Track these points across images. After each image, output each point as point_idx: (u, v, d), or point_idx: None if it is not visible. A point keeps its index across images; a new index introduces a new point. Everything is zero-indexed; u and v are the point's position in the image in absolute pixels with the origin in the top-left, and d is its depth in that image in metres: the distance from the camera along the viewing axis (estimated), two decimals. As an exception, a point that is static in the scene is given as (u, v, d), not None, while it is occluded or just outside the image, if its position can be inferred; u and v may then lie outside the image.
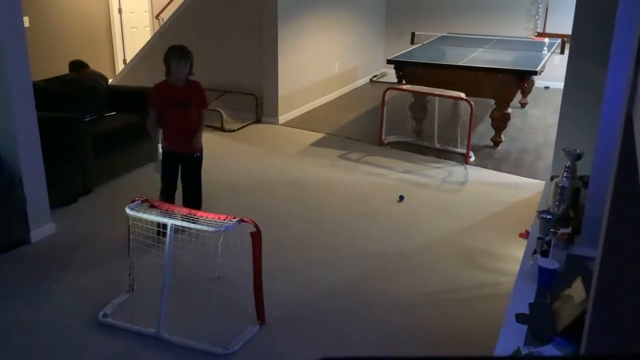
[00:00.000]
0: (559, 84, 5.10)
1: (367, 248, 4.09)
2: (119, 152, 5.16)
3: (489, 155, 6.02)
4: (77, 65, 5.73)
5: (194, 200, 4.21)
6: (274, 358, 2.99)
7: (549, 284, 2.24)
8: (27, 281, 3.58)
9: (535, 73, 6.11)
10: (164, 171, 4.11)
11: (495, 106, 6.23)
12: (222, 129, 6.64)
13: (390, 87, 6.39)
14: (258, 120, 6.96)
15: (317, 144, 6.29)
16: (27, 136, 3.90)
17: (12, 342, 3.03)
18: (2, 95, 3.74)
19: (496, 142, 6.29)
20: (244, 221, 3.04)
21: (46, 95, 4.81)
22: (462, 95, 5.85)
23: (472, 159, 5.85)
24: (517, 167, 5.71)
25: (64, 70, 5.82)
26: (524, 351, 1.86)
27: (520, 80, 6.02)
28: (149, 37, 8.12)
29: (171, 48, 3.90)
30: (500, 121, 6.23)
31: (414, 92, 6.25)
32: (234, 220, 3.00)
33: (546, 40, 8.09)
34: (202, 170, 5.60)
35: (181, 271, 3.57)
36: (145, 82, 6.65)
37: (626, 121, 1.19)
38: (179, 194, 4.17)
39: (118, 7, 9.00)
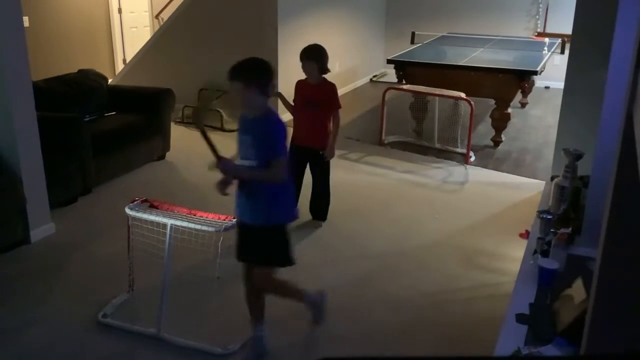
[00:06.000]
0: (559, 84, 5.10)
1: (367, 248, 4.09)
2: (119, 152, 5.16)
3: (489, 155, 6.02)
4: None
5: (318, 202, 4.39)
6: (274, 358, 2.98)
7: (549, 284, 2.24)
8: (27, 281, 3.57)
9: (535, 73, 6.11)
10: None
11: (495, 106, 6.22)
12: (222, 129, 6.63)
13: (390, 87, 6.38)
14: (258, 120, 6.95)
15: (317, 144, 6.29)
16: (27, 136, 3.90)
17: (12, 341, 3.02)
18: (2, 95, 3.74)
19: (496, 142, 6.29)
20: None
21: (46, 95, 4.81)
22: (462, 95, 5.84)
23: (472, 159, 5.85)
24: (517, 167, 5.71)
25: (64, 70, 5.82)
26: (524, 351, 1.86)
27: (520, 80, 6.02)
28: (149, 37, 8.11)
29: (305, 47, 4.06)
30: (500, 121, 6.23)
31: (414, 92, 6.25)
32: (234, 220, 3.00)
33: (546, 40, 8.09)
34: (202, 169, 5.57)
35: (181, 271, 3.57)
36: (145, 82, 6.66)
37: (626, 121, 1.19)
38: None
39: (118, 7, 9.00)
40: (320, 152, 4.19)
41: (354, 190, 5.10)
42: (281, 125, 2.71)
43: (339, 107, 4.20)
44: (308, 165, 4.34)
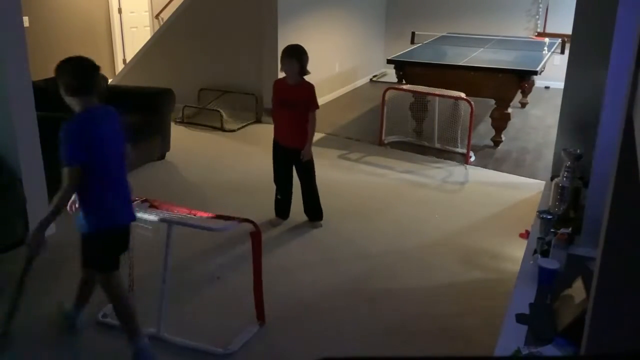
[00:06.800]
0: (559, 84, 5.09)
1: (367, 248, 4.09)
2: (119, 152, 5.15)
3: (489, 155, 6.02)
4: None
5: (308, 202, 4.40)
6: (274, 358, 2.98)
7: (549, 284, 2.24)
8: (26, 281, 3.57)
9: (535, 73, 6.11)
10: (274, 164, 4.34)
11: (495, 106, 6.23)
12: (222, 129, 6.64)
13: (390, 87, 6.39)
14: (258, 120, 6.96)
15: (317, 144, 6.27)
16: (27, 136, 3.90)
17: (12, 341, 3.02)
18: (2, 95, 3.74)
19: (496, 142, 6.29)
20: (244, 221, 3.04)
21: (46, 95, 4.80)
22: (462, 95, 5.84)
23: (472, 159, 5.85)
24: (517, 167, 5.71)
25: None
26: (524, 351, 1.86)
27: (520, 80, 6.02)
28: (149, 37, 8.12)
29: (286, 46, 4.10)
30: (500, 121, 6.23)
31: (414, 92, 6.25)
32: (234, 220, 3.00)
33: (546, 40, 8.09)
34: (202, 169, 5.59)
35: (181, 271, 3.57)
36: (145, 82, 6.66)
37: (626, 121, 1.19)
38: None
39: (118, 7, 9.00)
40: (301, 153, 4.20)
41: (354, 190, 5.10)
42: (73, 128, 2.59)
43: (317, 107, 4.17)
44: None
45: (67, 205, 2.69)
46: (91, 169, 2.58)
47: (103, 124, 2.69)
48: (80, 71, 2.61)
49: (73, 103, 2.65)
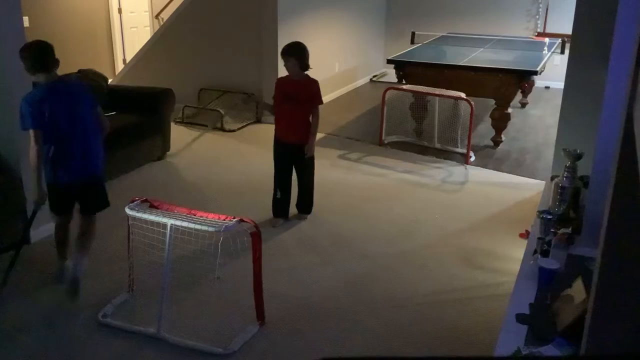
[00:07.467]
0: (559, 84, 5.10)
1: (367, 248, 4.09)
2: (119, 152, 5.16)
3: (489, 155, 6.02)
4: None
5: (303, 202, 4.46)
6: (274, 358, 2.98)
7: (549, 284, 2.24)
8: (26, 281, 3.57)
9: (535, 73, 6.11)
10: (275, 163, 4.40)
11: (495, 106, 6.23)
12: (222, 129, 6.64)
13: (390, 87, 6.39)
14: (258, 120, 6.96)
15: (317, 144, 6.24)
16: (27, 136, 3.88)
17: (12, 341, 3.03)
18: (2, 95, 3.74)
19: (496, 142, 6.29)
20: (244, 221, 3.04)
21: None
22: (462, 95, 5.84)
23: (472, 159, 5.85)
24: (517, 167, 5.71)
25: (64, 70, 5.80)
26: (524, 351, 1.86)
27: (520, 80, 6.02)
28: (149, 37, 8.12)
29: (285, 45, 4.20)
30: (500, 121, 6.23)
31: (414, 92, 6.25)
32: (234, 220, 3.00)
33: (546, 40, 8.09)
34: (202, 169, 5.60)
35: (181, 271, 3.57)
36: (145, 82, 6.66)
37: (626, 121, 1.19)
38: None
39: (118, 7, 8.99)
40: (305, 148, 4.24)
41: (354, 190, 5.10)
42: (26, 99, 3.18)
43: (321, 102, 4.25)
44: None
45: (37, 161, 3.18)
46: (44, 131, 3.16)
47: (56, 95, 3.22)
48: (34, 53, 3.19)
49: (37, 79, 3.26)
